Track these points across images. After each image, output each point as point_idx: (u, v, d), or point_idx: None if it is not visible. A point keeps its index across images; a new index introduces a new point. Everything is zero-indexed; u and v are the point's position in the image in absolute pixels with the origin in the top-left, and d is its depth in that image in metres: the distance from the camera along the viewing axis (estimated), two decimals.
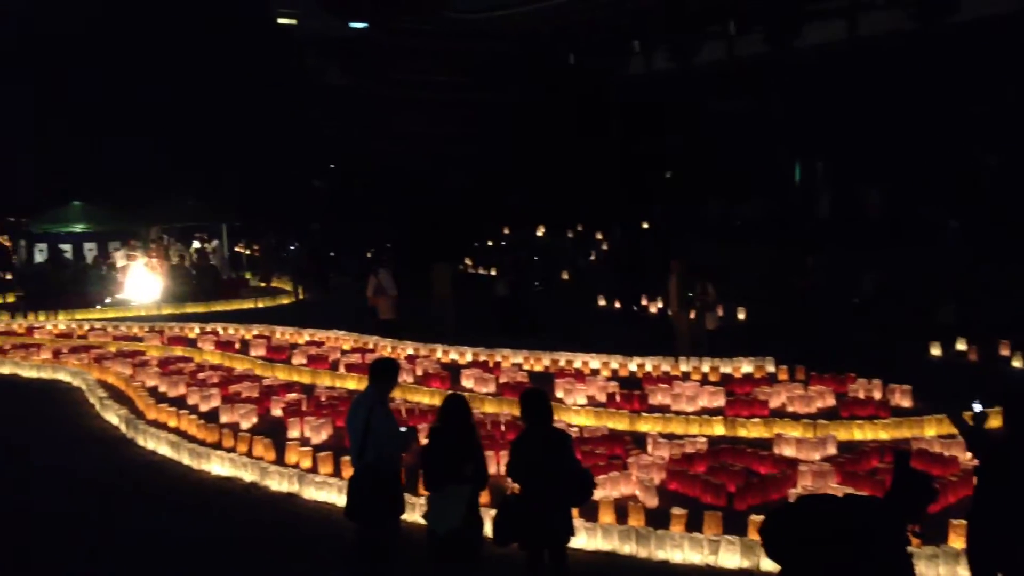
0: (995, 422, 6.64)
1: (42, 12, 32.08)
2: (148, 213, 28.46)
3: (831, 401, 12.10)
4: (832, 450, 10.08)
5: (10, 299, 24.82)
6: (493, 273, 27.12)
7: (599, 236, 27.43)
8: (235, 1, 37.78)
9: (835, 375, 12.87)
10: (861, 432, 10.78)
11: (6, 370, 16.31)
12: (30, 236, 27.50)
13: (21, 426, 12.63)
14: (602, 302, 22.45)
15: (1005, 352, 14.84)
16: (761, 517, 7.78)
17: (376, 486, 6.60)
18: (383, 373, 6.98)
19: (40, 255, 26.41)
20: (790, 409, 11.88)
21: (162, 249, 26.64)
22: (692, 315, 15.78)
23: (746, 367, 13.93)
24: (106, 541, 8.43)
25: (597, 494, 7.79)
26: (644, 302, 20.82)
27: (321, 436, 11.09)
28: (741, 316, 19.20)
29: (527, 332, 17.45)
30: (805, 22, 23.28)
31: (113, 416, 12.55)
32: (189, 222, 29.77)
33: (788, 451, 9.98)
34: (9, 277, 29.23)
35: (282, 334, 18.14)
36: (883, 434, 10.72)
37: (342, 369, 14.62)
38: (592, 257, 26.52)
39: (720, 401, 12.15)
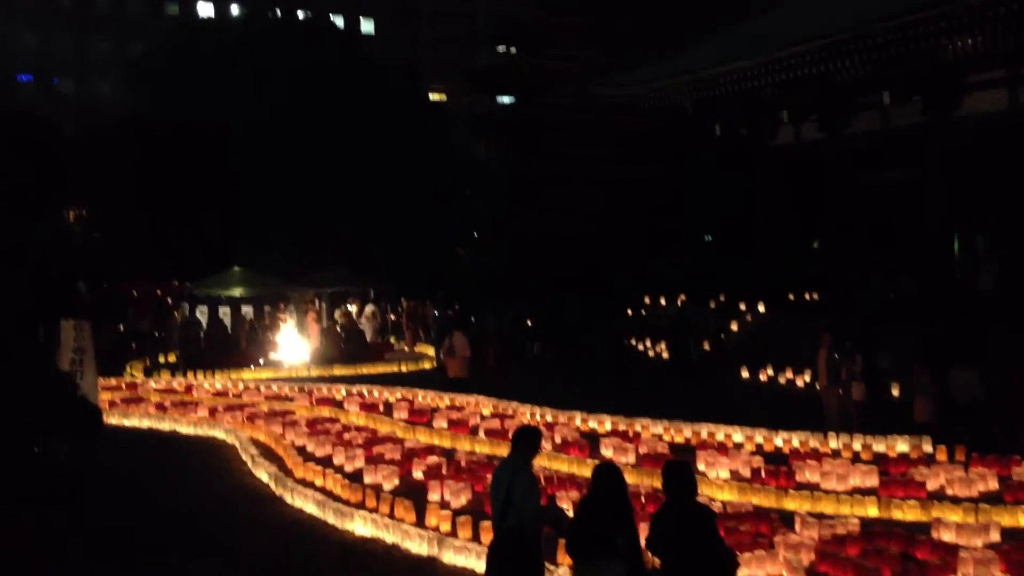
0: None
1: (200, 97, 34.33)
2: (301, 278, 29.69)
3: (994, 484, 11.40)
4: (995, 537, 9.47)
5: (172, 359, 26.16)
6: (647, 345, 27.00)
7: (743, 307, 26.92)
8: (386, 77, 39.39)
9: (998, 457, 12.13)
10: None
11: (166, 426, 17.14)
12: (193, 299, 29.00)
13: (178, 481, 13.19)
14: (745, 374, 21.98)
15: None
16: None
17: (517, 552, 6.58)
18: (526, 440, 7.02)
19: (202, 317, 27.79)
20: (949, 492, 11.25)
21: (315, 312, 27.67)
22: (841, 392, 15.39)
23: (901, 446, 13.29)
24: None
25: (741, 573, 7.56)
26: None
27: (461, 500, 11.14)
28: (895, 392, 18.38)
29: None
30: (965, 92, 22.51)
31: (263, 473, 12.98)
32: (339, 287, 30.87)
33: (947, 536, 9.42)
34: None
35: (424, 397, 18.44)
36: None
37: (482, 434, 14.72)
38: (735, 328, 26.03)
39: (873, 481, 11.60)
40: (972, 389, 13.98)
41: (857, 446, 13.43)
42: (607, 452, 13.38)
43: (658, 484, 10.37)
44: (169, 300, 34.33)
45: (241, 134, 33.33)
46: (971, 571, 8.33)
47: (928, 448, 13.15)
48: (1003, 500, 10.77)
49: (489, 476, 8.86)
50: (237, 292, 27.83)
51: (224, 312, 27.68)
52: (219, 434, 16.14)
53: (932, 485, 11.37)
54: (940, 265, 23.41)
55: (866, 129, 25.62)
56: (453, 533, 9.88)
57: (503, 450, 12.14)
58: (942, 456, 12.73)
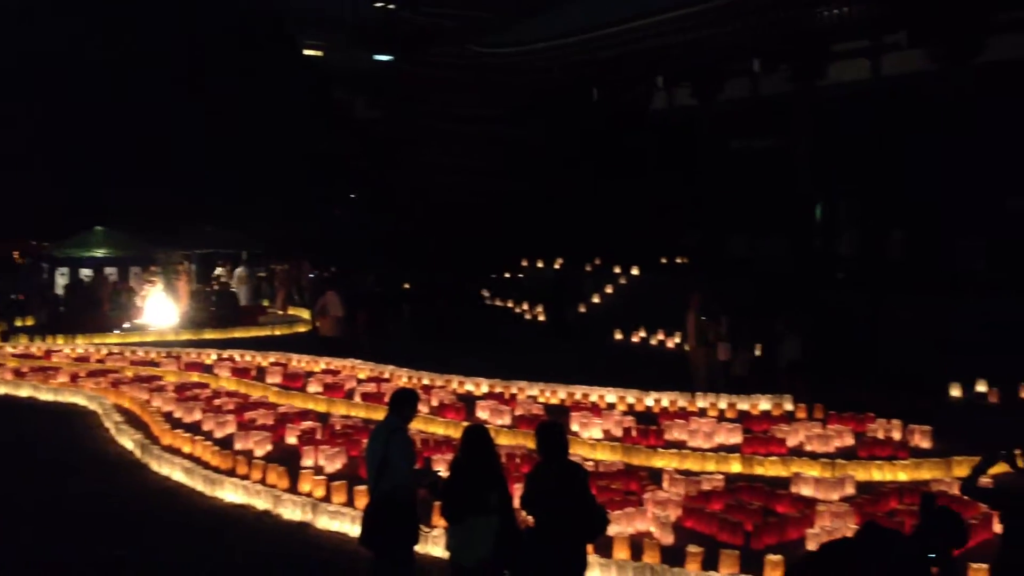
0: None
1: (69, 45, 32.70)
2: (169, 239, 28.69)
3: (850, 441, 12.00)
4: (851, 490, 9.97)
5: (29, 322, 24.97)
6: (526, 306, 27.18)
7: (617, 270, 27.40)
8: (260, 31, 38.26)
9: (854, 414, 12.75)
10: (880, 473, 10.66)
11: (24, 393, 16.36)
12: (52, 260, 27.67)
13: (37, 449, 12.65)
14: (619, 336, 22.41)
15: None
16: (779, 557, 7.69)
17: (392, 515, 6.56)
18: (403, 403, 6.97)
19: (62, 279, 26.57)
20: (808, 448, 11.77)
21: (184, 275, 26.81)
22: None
23: (764, 404, 13.83)
24: (117, 568, 8.40)
25: (612, 530, 7.73)
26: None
27: (335, 465, 11.03)
28: (758, 352, 19.02)
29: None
30: (830, 61, 23.28)
31: (128, 441, 12.55)
32: (209, 248, 29.99)
33: (806, 490, 9.87)
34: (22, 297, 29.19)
35: (298, 362, 18.14)
36: (902, 475, 10.60)
37: (357, 398, 14.59)
38: (609, 291, 26.50)
39: (737, 438, 12.05)
40: (794, 351, 14.73)
41: (723, 405, 13.89)
42: (483, 415, 13.46)
43: (532, 445, 10.54)
44: (26, 261, 32.72)
45: (102, 81, 31.86)
46: (828, 524, 8.74)
47: (789, 406, 13.71)
48: (858, 455, 11.33)
49: (365, 440, 8.80)
50: (100, 253, 26.70)
51: (86, 274, 26.52)
52: (81, 400, 15.51)
53: (792, 442, 11.87)
54: (803, 230, 24.26)
55: (737, 96, 26.25)
56: (327, 498, 9.79)
57: (379, 414, 12.09)
58: (802, 414, 13.30)
